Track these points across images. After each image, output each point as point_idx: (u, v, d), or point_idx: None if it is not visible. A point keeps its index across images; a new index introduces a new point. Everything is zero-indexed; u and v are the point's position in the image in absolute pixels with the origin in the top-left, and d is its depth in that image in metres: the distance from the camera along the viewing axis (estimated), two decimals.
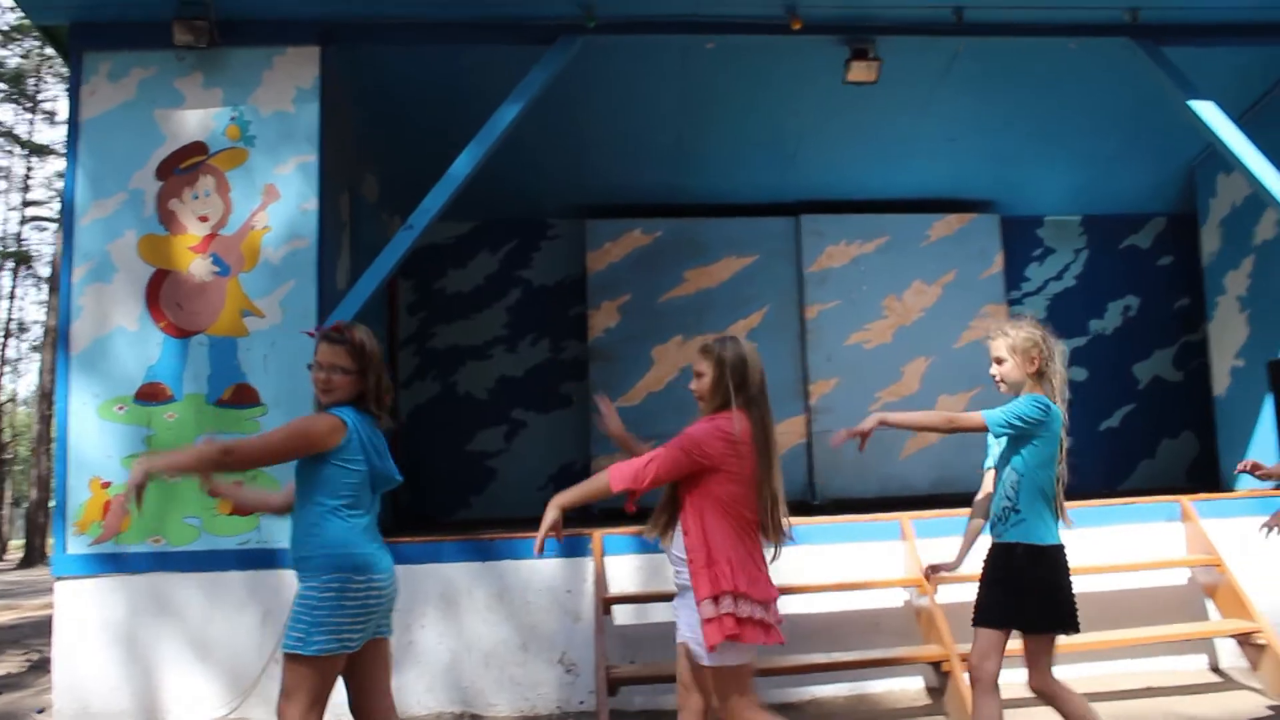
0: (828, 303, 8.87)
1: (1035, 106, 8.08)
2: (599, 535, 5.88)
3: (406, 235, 6.10)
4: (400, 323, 9.35)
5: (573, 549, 5.89)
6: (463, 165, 6.11)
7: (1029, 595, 3.47)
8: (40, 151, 23.72)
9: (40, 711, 5.99)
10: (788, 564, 5.70)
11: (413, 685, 5.72)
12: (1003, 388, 3.64)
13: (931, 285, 8.97)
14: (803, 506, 8.08)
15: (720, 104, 7.80)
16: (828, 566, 5.96)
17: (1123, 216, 10.06)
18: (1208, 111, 6.62)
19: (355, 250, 7.27)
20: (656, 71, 7.30)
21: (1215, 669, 6.07)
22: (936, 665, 5.57)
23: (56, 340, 6.46)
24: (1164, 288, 10.04)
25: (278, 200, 6.11)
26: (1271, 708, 4.81)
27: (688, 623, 3.25)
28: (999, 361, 3.61)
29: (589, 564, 5.87)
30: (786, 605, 5.59)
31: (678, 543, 3.30)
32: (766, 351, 9.06)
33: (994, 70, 7.53)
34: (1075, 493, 3.82)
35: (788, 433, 8.54)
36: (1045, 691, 3.51)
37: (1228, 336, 8.69)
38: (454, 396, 9.33)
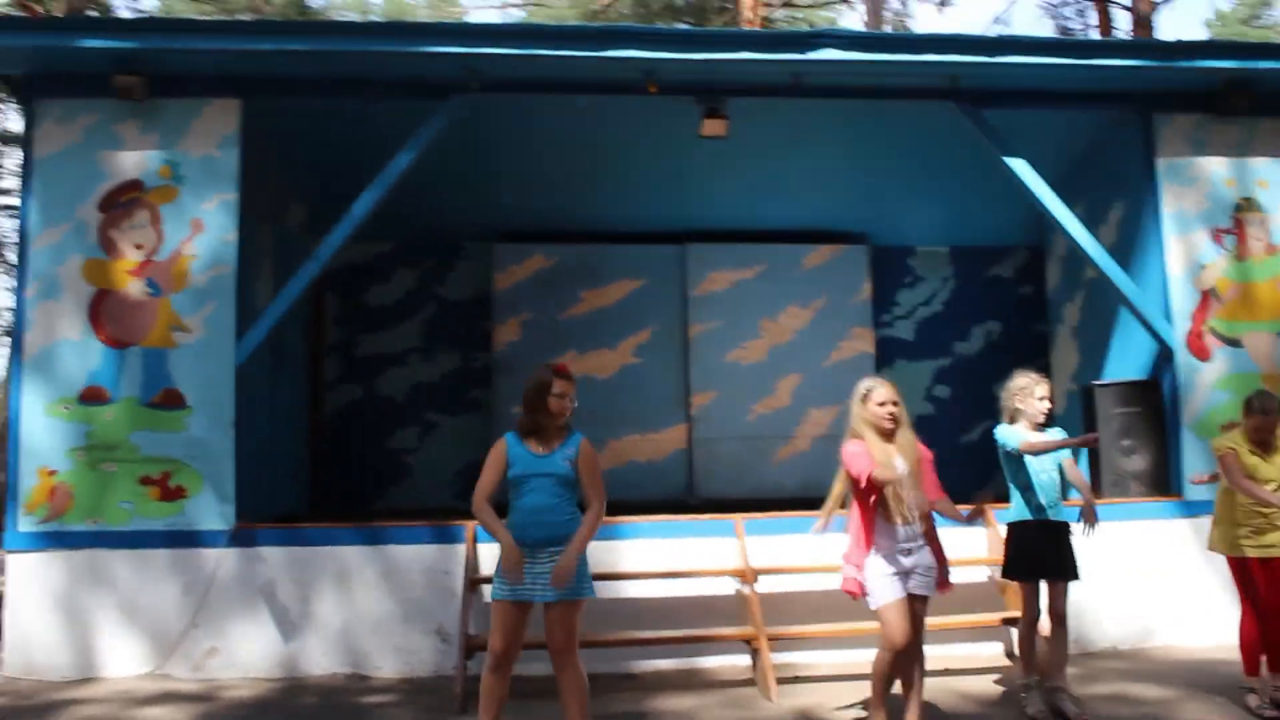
0: (709, 323, 9.95)
1: (897, 151, 9.06)
2: (472, 525, 6.89)
3: (312, 265, 7.13)
4: (327, 332, 10.34)
5: (448, 536, 6.92)
6: (361, 206, 7.14)
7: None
8: (11, 141, 24.18)
9: None
10: (639, 554, 6.82)
11: (311, 650, 6.73)
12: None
13: (805, 309, 10.07)
14: (680, 505, 9.11)
15: (606, 146, 8.81)
16: (670, 557, 6.99)
17: (988, 248, 11.06)
18: (1020, 168, 7.68)
19: (279, 272, 8.25)
20: (549, 117, 8.29)
21: (1010, 654, 7.09)
22: (748, 642, 6.59)
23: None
24: (1023, 315, 10.99)
25: (203, 232, 7.09)
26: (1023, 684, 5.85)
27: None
28: (1051, 399, 5.52)
29: (462, 549, 6.88)
30: (631, 589, 6.71)
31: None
32: (652, 367, 10.14)
33: (855, 120, 8.49)
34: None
35: (671, 439, 9.62)
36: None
37: (1064, 361, 9.79)
38: (375, 398, 10.35)
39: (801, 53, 7.06)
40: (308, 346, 10.04)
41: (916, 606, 4.82)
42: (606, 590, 6.51)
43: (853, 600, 4.96)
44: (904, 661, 4.82)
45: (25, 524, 6.76)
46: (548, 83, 7.28)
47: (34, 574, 6.70)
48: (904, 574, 4.75)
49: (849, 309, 10.19)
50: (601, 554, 6.60)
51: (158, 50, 6.89)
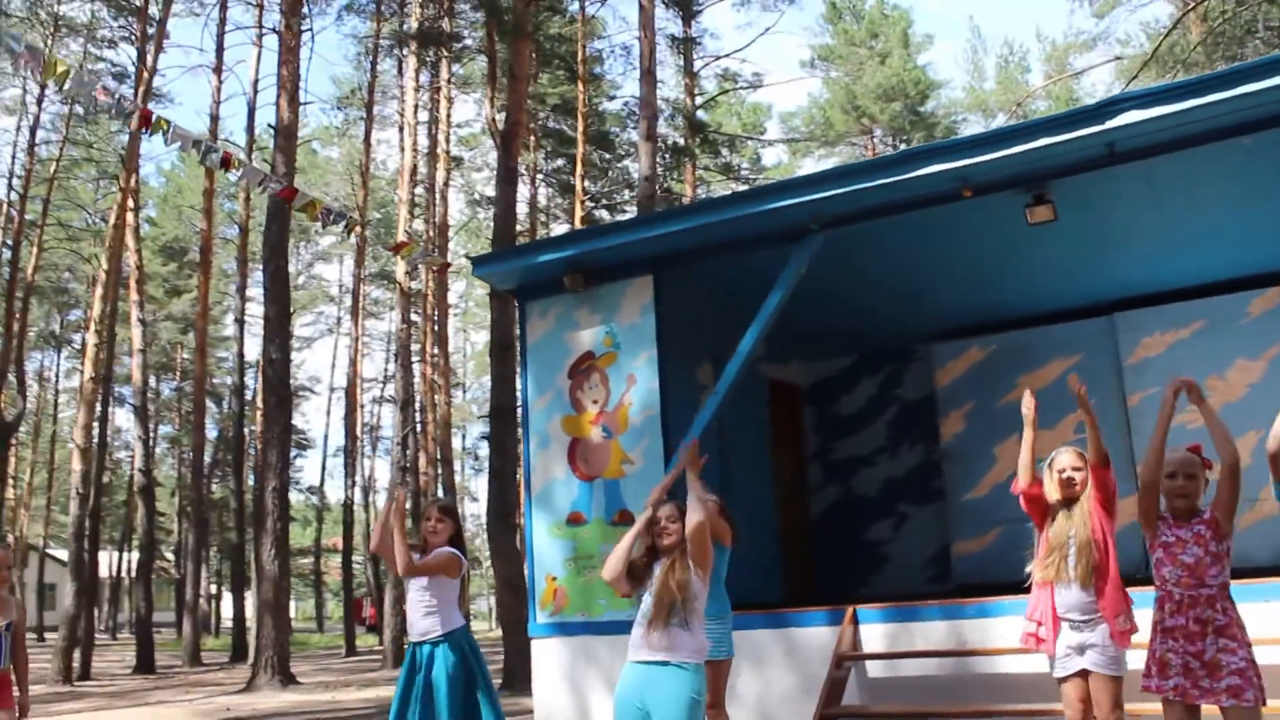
0: (1148, 390, 9.61)
1: None
2: (851, 609, 7.82)
3: (714, 399, 8.69)
4: (808, 441, 11.79)
5: (838, 619, 7.91)
6: (747, 343, 8.55)
7: None
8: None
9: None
10: None
11: (734, 717, 8.10)
12: None
13: (1255, 360, 9.27)
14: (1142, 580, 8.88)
15: (1011, 236, 9.17)
16: None
17: None
18: None
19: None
20: (961, 226, 8.82)
21: None
22: None
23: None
24: None
25: (636, 385, 9.05)
26: None
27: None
28: None
29: (850, 629, 7.83)
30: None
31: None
32: None
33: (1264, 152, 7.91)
34: None
35: (1121, 510, 9.39)
36: None
37: None
38: (852, 497, 11.50)
39: (1101, 122, 7.16)
40: (789, 457, 11.53)
41: None
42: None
43: None
44: None
45: (541, 617, 9.10)
46: (876, 209, 8.15)
47: (548, 654, 8.98)
48: None
49: None
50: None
51: (591, 251, 9.09)
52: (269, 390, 15.58)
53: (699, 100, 25.17)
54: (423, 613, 5.57)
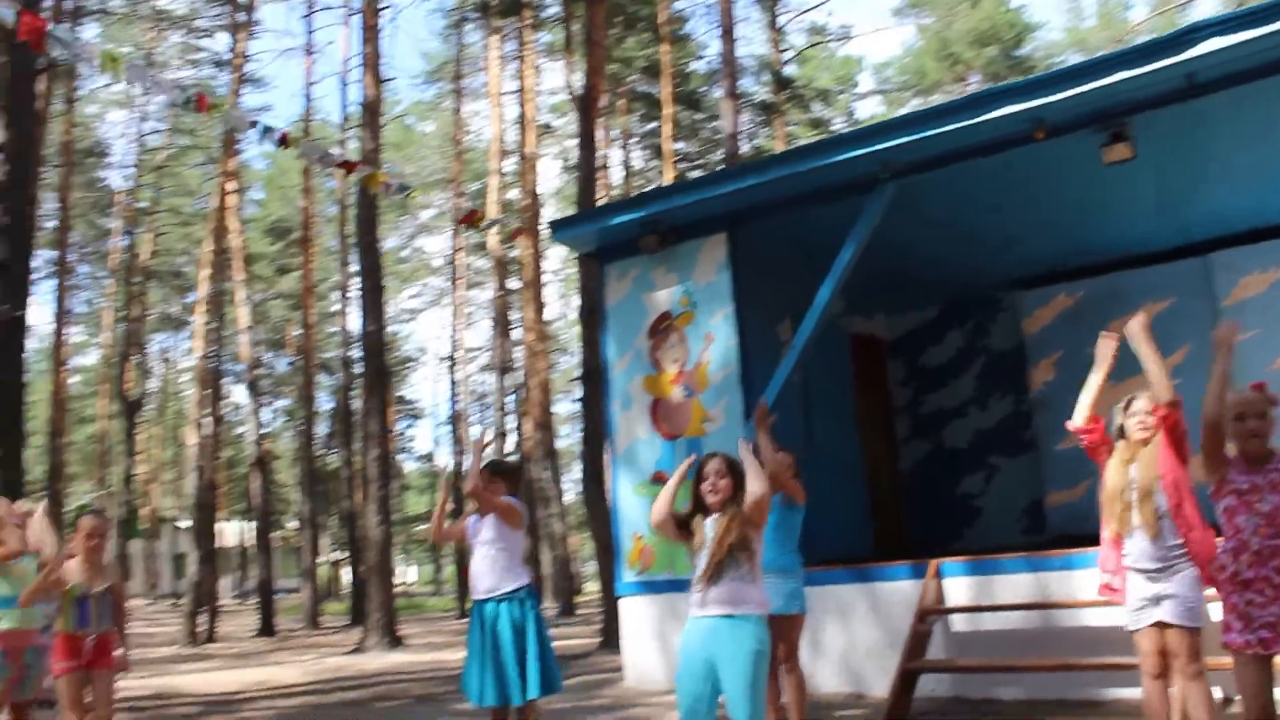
0: (1247, 332, 9.20)
1: None
2: (935, 563, 7.75)
3: (790, 355, 8.65)
4: (895, 395, 11.65)
5: (921, 573, 7.84)
6: (822, 297, 8.49)
7: None
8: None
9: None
10: None
11: (821, 672, 8.14)
12: None
13: None
14: None
15: (1093, 177, 8.88)
16: None
17: None
18: None
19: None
20: (1040, 168, 8.47)
21: None
22: None
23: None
24: None
25: (714, 343, 9.07)
26: None
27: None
28: None
29: (933, 583, 7.76)
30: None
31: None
32: (1190, 388, 10.06)
33: None
34: None
35: None
36: None
37: None
38: (942, 450, 11.33)
39: (1180, 52, 6.88)
40: (875, 411, 11.41)
41: None
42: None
43: None
44: None
45: (628, 575, 9.23)
46: (951, 154, 7.96)
47: (635, 612, 9.12)
48: None
49: None
50: None
51: (665, 210, 9.10)
52: (368, 362, 16.02)
53: (786, 56, 24.85)
54: (487, 568, 5.69)
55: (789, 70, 25.94)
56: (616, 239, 9.56)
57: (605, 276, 9.84)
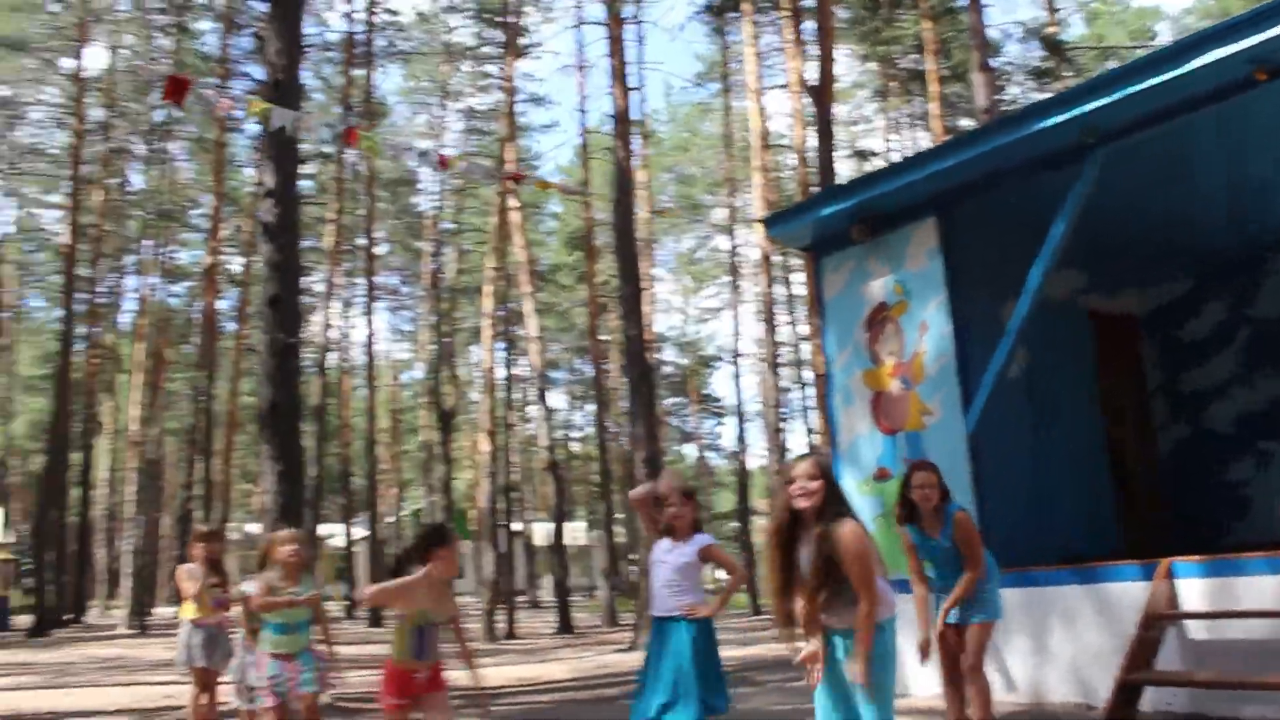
0: None
1: None
2: (1166, 562, 7.09)
3: (1006, 340, 8.17)
4: (1149, 375, 10.63)
5: (1151, 574, 7.19)
6: (1035, 276, 7.95)
7: None
8: None
9: None
10: None
11: (1048, 679, 7.66)
12: None
13: None
14: None
15: None
16: None
17: None
18: None
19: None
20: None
21: None
22: None
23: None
24: None
25: (928, 332, 8.72)
26: None
27: None
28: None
29: (1164, 585, 7.10)
30: None
31: None
32: None
33: None
34: None
35: None
36: None
37: None
38: (1203, 434, 10.23)
39: None
40: (1125, 394, 10.46)
41: None
42: None
43: None
44: None
45: None
46: (1163, 111, 7.24)
47: None
48: None
49: None
50: None
51: (872, 198, 8.85)
52: (630, 366, 16.56)
53: (1064, 16, 23.30)
54: (671, 591, 5.68)
55: (1071, 32, 24.30)
56: (828, 230, 9.39)
57: (821, 270, 9.69)
